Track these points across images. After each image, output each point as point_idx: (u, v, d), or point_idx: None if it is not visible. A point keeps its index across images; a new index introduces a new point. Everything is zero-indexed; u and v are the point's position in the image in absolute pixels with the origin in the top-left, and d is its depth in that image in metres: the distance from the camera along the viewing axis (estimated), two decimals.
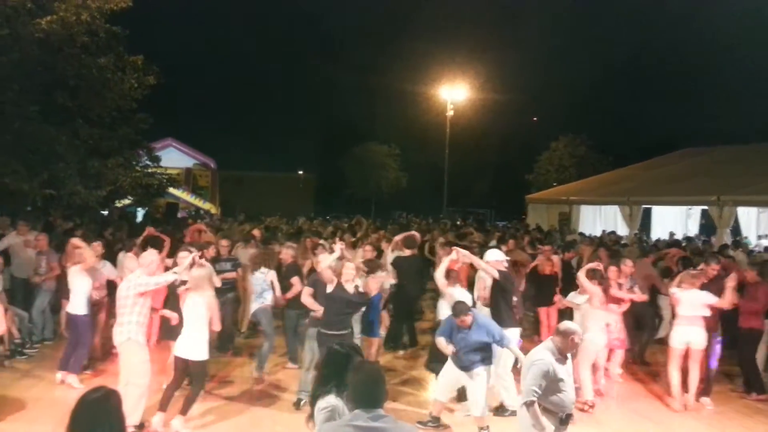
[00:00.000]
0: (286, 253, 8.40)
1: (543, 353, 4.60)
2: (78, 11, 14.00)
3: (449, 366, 6.19)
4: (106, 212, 18.75)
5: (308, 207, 42.04)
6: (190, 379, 6.17)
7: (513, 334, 6.74)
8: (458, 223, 23.45)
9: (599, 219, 22.56)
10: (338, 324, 6.33)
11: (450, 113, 32.22)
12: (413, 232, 9.74)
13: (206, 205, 33.75)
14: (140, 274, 5.95)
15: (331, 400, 3.44)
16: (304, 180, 52.78)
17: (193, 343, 5.84)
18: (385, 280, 7.83)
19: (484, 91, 37.71)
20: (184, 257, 6.34)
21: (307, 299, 6.75)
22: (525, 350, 5.83)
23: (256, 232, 11.36)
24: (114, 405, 2.79)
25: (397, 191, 46.83)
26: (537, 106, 48.13)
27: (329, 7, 65.55)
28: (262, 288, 7.67)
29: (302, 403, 6.56)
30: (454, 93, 32.37)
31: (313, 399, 3.61)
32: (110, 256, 8.75)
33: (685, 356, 7.11)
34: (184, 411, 5.88)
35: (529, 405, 4.44)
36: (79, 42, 14.54)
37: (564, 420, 4.58)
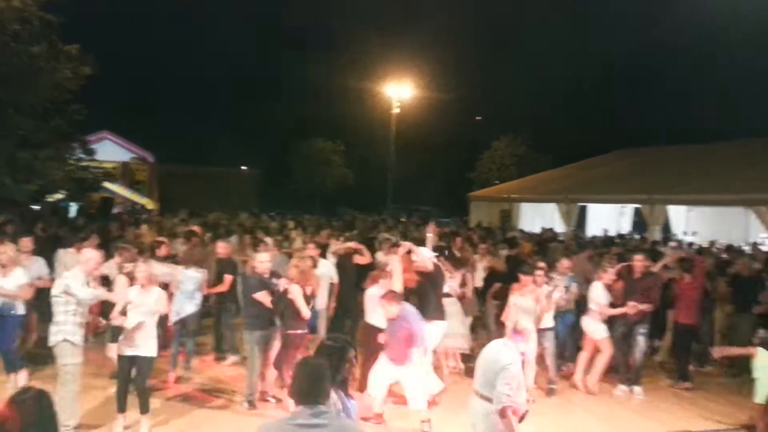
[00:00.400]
0: (222, 247, 8.35)
1: (512, 354, 4.55)
2: None
3: (383, 360, 6.24)
4: (38, 207, 17.93)
5: (251, 203, 41.36)
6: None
7: (440, 327, 7.03)
8: (402, 219, 23.64)
9: (538, 216, 23.22)
10: (300, 322, 6.35)
11: (396, 111, 32.41)
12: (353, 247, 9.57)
13: (143, 201, 32.75)
14: (78, 272, 5.73)
15: None
16: (247, 175, 51.93)
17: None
18: (319, 279, 7.88)
19: (429, 89, 38.04)
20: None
21: (267, 298, 6.58)
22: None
23: (196, 229, 11.11)
24: (44, 406, 2.70)
25: (343, 188, 46.74)
26: (481, 106, 48.97)
27: (276, 1, 64.66)
28: (195, 287, 7.49)
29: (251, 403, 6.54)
30: (400, 91, 32.57)
31: None
32: (42, 251, 8.41)
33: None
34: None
35: (505, 411, 4.36)
36: (10, 29, 13.85)
37: (522, 418, 4.58)
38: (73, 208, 22.15)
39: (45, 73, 14.83)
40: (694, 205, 19.07)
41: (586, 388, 7.63)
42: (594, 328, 7.63)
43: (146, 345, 5.80)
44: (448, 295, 7.86)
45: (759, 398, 6.20)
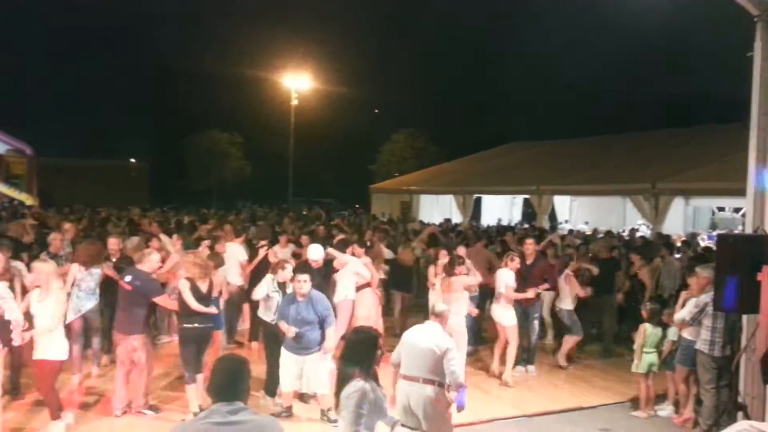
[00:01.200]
0: (115, 244, 7.97)
1: (447, 337, 4.89)
2: None
3: (287, 354, 6.13)
4: None
5: (142, 197, 39.38)
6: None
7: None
8: (304, 212, 23.49)
9: (437, 207, 23.92)
10: (194, 317, 6.16)
11: (294, 102, 32.04)
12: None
13: (22, 196, 30.26)
14: None
15: (358, 384, 3.55)
16: (136, 168, 49.36)
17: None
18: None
19: (328, 82, 37.98)
20: None
21: (170, 302, 6.37)
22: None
23: (67, 226, 10.34)
24: None
25: (241, 181, 45.55)
26: (380, 99, 49.51)
27: None
28: (96, 284, 7.16)
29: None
30: (298, 82, 32.19)
31: (341, 385, 3.65)
32: None
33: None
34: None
35: (462, 386, 4.79)
36: None
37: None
38: None
39: None
40: (578, 195, 20.43)
41: (502, 379, 7.77)
42: (504, 315, 7.80)
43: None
44: (367, 285, 8.08)
45: (641, 369, 6.82)
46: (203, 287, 6.23)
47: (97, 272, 7.19)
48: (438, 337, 4.81)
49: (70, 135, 46.73)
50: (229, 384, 2.85)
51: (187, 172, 44.85)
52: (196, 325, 6.14)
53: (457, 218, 21.19)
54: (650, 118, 38.91)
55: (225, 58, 53.50)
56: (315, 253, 7.34)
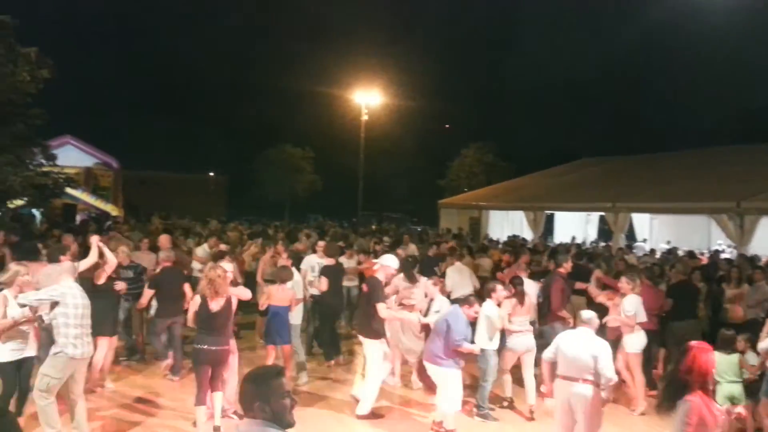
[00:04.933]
0: (167, 257, 8.18)
1: (601, 341, 5.41)
2: None
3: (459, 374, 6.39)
4: None
5: (220, 209, 40.89)
6: None
7: None
8: (374, 227, 23.64)
9: (506, 223, 23.45)
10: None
11: (365, 117, 32.43)
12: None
13: (108, 207, 32.03)
14: None
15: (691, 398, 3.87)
16: (215, 181, 51.36)
17: None
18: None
19: (398, 97, 38.32)
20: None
21: None
22: None
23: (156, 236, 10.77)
24: None
25: (313, 194, 46.48)
26: (449, 114, 49.45)
27: (244, 7, 64.13)
28: None
29: None
30: (368, 97, 32.60)
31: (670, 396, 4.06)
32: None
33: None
34: None
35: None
36: None
37: None
38: (37, 215, 21.56)
39: (2, 75, 14.42)
40: (656, 212, 19.47)
41: None
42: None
43: None
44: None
45: (719, 401, 6.33)
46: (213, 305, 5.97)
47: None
48: (591, 343, 5.29)
49: (153, 149, 49.21)
50: None
51: (261, 186, 46.25)
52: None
53: (528, 235, 20.71)
54: (729, 132, 36.77)
55: (297, 74, 55.01)
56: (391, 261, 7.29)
